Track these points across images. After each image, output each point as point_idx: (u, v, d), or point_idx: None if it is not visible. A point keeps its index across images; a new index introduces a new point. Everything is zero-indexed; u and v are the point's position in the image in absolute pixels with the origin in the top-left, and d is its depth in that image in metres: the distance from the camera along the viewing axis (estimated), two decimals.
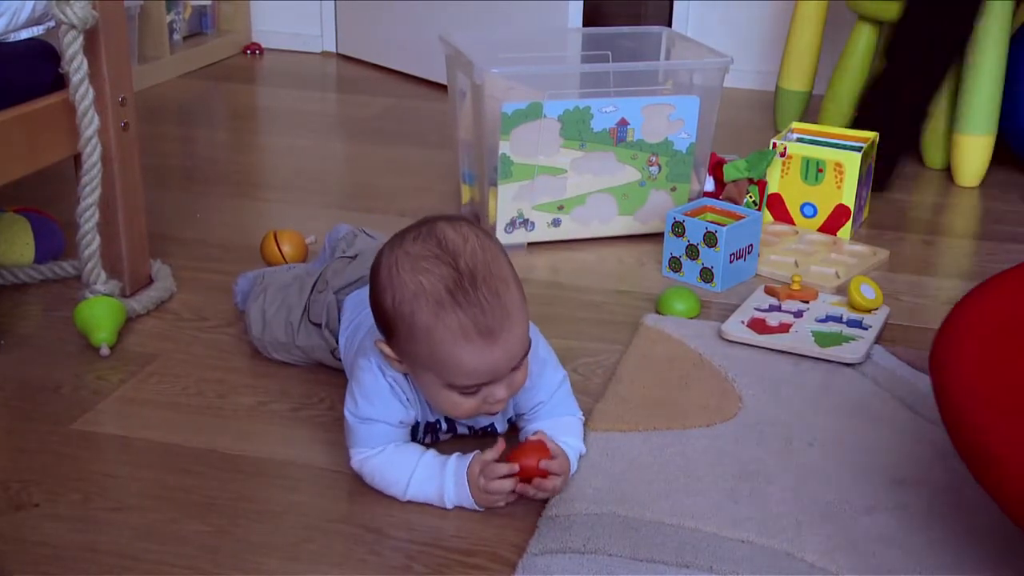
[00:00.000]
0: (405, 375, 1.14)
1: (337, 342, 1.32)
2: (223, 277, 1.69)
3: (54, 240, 1.71)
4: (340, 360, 1.32)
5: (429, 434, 1.21)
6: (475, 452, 1.12)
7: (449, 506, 1.12)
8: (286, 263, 1.69)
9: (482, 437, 1.23)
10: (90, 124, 1.45)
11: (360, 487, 1.17)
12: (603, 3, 2.95)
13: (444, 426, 1.20)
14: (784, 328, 1.52)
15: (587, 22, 2.60)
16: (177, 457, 1.23)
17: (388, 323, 1.08)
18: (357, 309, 1.29)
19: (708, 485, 1.17)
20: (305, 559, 1.06)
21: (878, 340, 1.52)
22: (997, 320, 1.07)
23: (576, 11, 2.57)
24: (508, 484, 1.09)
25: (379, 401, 1.13)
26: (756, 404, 1.34)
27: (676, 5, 2.96)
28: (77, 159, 1.48)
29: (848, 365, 1.44)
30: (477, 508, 1.11)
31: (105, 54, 1.47)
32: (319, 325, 1.35)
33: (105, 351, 1.43)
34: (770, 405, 1.34)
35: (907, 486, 1.18)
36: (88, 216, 1.49)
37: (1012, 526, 1.11)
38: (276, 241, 1.70)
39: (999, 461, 0.92)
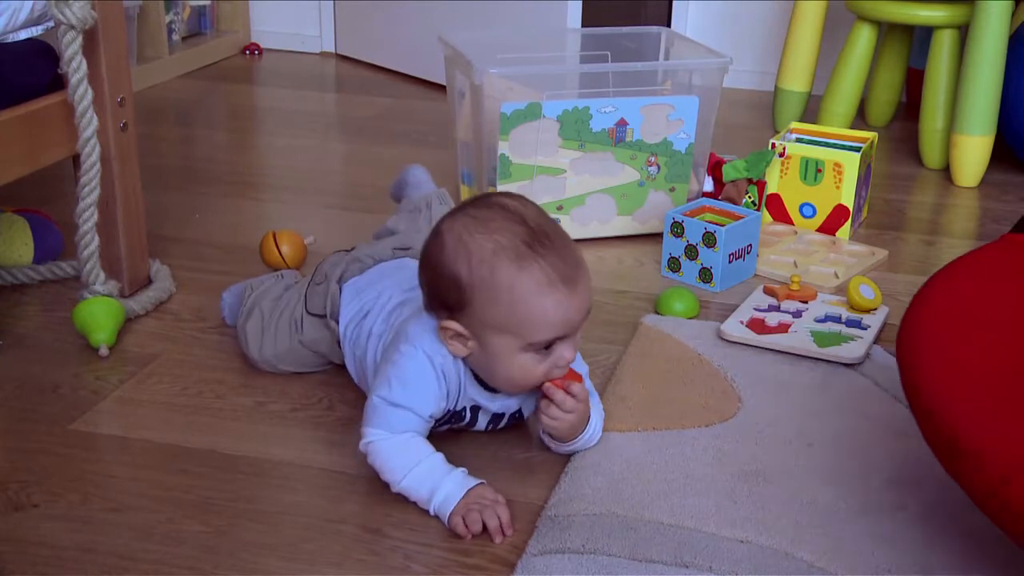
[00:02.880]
0: (455, 363, 1.13)
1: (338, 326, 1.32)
2: (222, 278, 1.68)
3: (53, 240, 1.71)
4: (341, 349, 1.32)
5: (448, 423, 1.20)
6: (482, 481, 1.12)
7: (431, 510, 1.11)
8: (285, 263, 1.69)
9: (492, 433, 1.24)
10: (89, 124, 1.45)
11: (359, 487, 1.17)
12: (602, 3, 2.95)
13: (468, 416, 1.19)
14: (783, 328, 1.52)
15: (586, 22, 2.60)
16: (176, 457, 1.23)
17: (461, 293, 1.07)
18: (359, 295, 1.29)
19: (707, 485, 1.17)
20: (303, 559, 1.06)
21: (877, 340, 1.52)
22: (961, 308, 1.07)
23: (575, 11, 2.57)
24: (486, 526, 1.09)
25: (418, 391, 1.12)
26: (755, 404, 1.34)
27: (675, 5, 2.96)
28: (76, 159, 1.48)
29: (847, 365, 1.44)
30: (445, 523, 1.10)
31: (104, 54, 1.47)
32: (321, 316, 1.33)
33: (104, 351, 1.43)
34: (769, 405, 1.34)
35: (905, 486, 1.18)
36: (87, 216, 1.49)
37: None
38: (275, 241, 1.70)
39: (973, 455, 0.92)
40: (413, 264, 1.24)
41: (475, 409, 1.19)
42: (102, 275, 1.52)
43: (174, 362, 1.43)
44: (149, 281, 1.63)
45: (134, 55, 2.77)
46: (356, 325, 1.28)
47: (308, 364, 1.39)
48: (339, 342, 1.32)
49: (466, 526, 1.08)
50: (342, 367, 1.36)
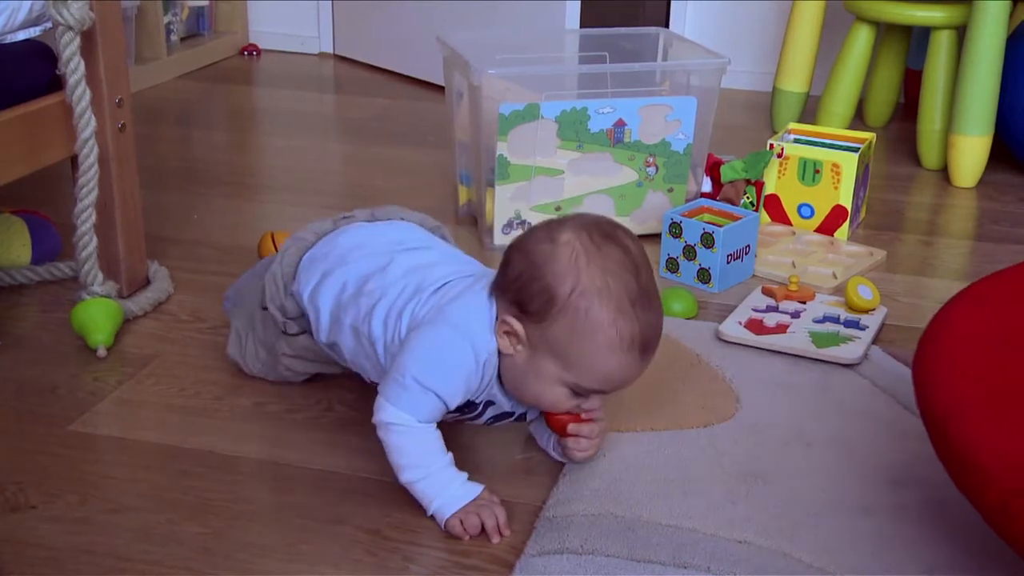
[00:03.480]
0: (495, 360, 1.11)
1: (302, 305, 1.26)
2: (221, 278, 1.68)
3: (51, 241, 1.71)
4: (306, 330, 1.27)
5: (457, 413, 1.17)
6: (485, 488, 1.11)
7: (429, 512, 1.10)
8: None
9: (490, 434, 1.24)
10: (87, 125, 1.45)
11: (357, 488, 1.17)
12: (600, 4, 2.95)
13: (479, 409, 1.17)
14: (781, 329, 1.52)
15: (584, 23, 2.60)
16: (174, 458, 1.22)
17: (548, 307, 1.05)
18: (318, 263, 1.25)
19: (705, 486, 1.17)
20: (302, 560, 1.06)
21: (875, 341, 1.52)
22: (981, 329, 1.07)
23: (573, 12, 2.57)
24: (483, 526, 1.09)
25: (453, 380, 1.10)
26: (753, 405, 1.34)
27: (673, 6, 2.96)
28: (74, 160, 1.48)
29: (845, 366, 1.44)
30: (441, 525, 1.10)
31: (102, 55, 1.47)
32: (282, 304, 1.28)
33: (102, 352, 1.43)
34: (767, 406, 1.34)
35: (904, 486, 1.18)
36: (85, 217, 1.48)
37: None
38: (273, 242, 1.69)
39: (982, 470, 0.92)
40: (375, 228, 1.26)
41: (488, 404, 1.17)
42: (100, 276, 1.52)
43: (172, 363, 1.43)
44: (147, 282, 1.63)
45: (132, 56, 2.76)
46: (347, 298, 1.21)
47: (306, 371, 1.35)
48: (300, 331, 1.27)
49: (464, 528, 1.08)
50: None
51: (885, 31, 2.56)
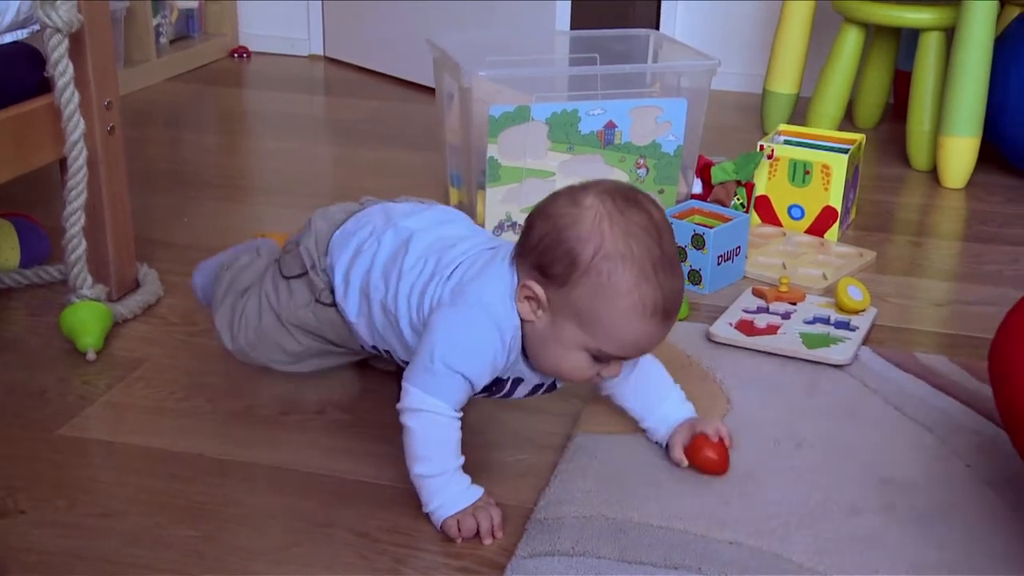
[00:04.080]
0: (519, 334, 1.09)
1: (332, 281, 1.23)
2: None
3: (40, 244, 1.70)
4: (335, 303, 1.23)
5: (487, 392, 1.16)
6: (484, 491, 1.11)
7: (427, 508, 1.10)
8: None
9: (483, 435, 1.24)
10: (76, 128, 1.45)
11: (348, 491, 1.17)
12: (591, 5, 2.96)
13: (508, 387, 1.16)
14: (772, 330, 1.52)
15: (575, 24, 2.60)
16: (164, 462, 1.22)
17: (571, 271, 1.04)
18: (350, 239, 1.22)
19: (697, 487, 1.17)
20: (293, 563, 1.06)
21: (865, 341, 1.52)
22: None
23: (563, 14, 2.57)
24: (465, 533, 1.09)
25: (480, 359, 1.09)
26: (744, 406, 1.34)
27: (663, 8, 2.97)
28: (63, 163, 1.47)
29: (836, 366, 1.44)
30: (437, 525, 1.09)
31: (90, 58, 1.47)
32: (301, 274, 1.25)
33: (91, 356, 1.43)
34: (758, 407, 1.34)
35: (894, 486, 1.18)
36: (74, 220, 1.48)
37: (998, 526, 1.11)
38: None
39: None
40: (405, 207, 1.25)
41: (516, 381, 1.16)
42: (89, 279, 1.51)
43: (162, 366, 1.43)
44: (137, 285, 1.63)
45: (121, 58, 2.76)
46: (366, 272, 1.19)
47: (297, 355, 1.29)
48: (320, 296, 1.24)
49: (459, 530, 1.08)
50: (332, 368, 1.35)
51: (874, 33, 2.57)
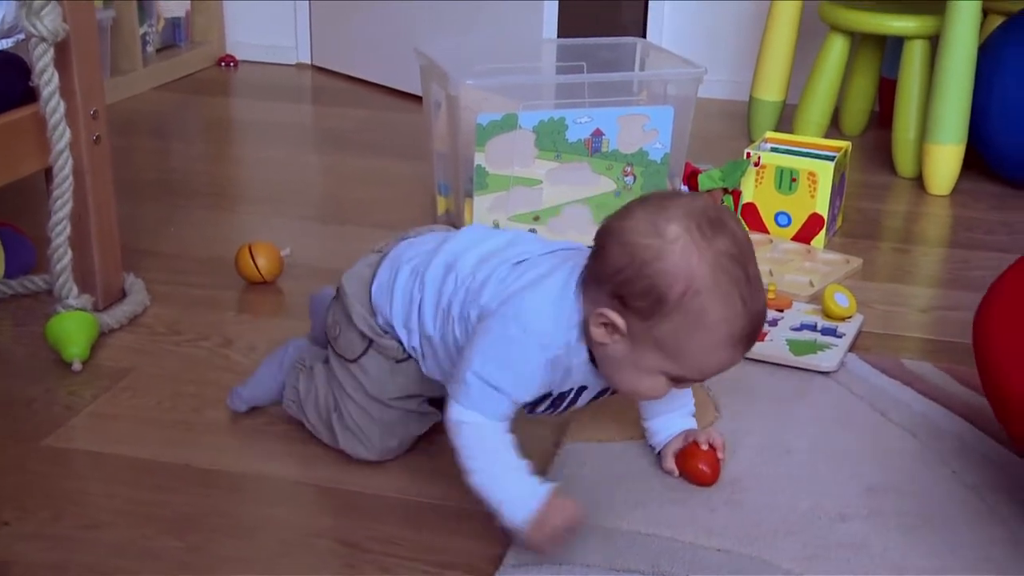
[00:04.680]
0: (569, 351, 1.06)
1: (397, 337, 1.18)
2: (198, 290, 1.68)
3: (25, 254, 1.70)
4: (411, 347, 1.18)
5: (550, 408, 1.14)
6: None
7: (500, 516, 1.04)
8: (261, 276, 1.69)
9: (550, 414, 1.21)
10: (61, 137, 1.44)
11: (335, 500, 1.17)
12: (578, 12, 2.97)
13: (571, 396, 1.13)
14: (759, 337, 1.52)
15: (562, 32, 2.61)
16: (151, 473, 1.22)
17: (658, 307, 0.99)
18: (408, 290, 1.16)
19: (684, 495, 1.17)
20: (280, 573, 1.06)
21: (852, 348, 1.52)
22: None
23: (551, 22, 2.58)
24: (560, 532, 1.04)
25: (522, 378, 1.05)
26: (731, 413, 1.34)
27: (650, 16, 2.98)
28: (48, 172, 1.47)
29: (823, 373, 1.44)
30: (512, 530, 1.05)
31: (76, 67, 1.46)
32: (368, 347, 1.19)
33: (77, 366, 1.42)
34: (745, 414, 1.34)
35: (881, 493, 1.19)
36: (60, 230, 1.47)
37: (983, 531, 1.11)
38: (251, 254, 1.69)
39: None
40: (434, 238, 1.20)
41: (581, 390, 1.13)
42: (75, 289, 1.51)
43: (149, 376, 1.42)
44: (123, 294, 1.62)
45: (107, 67, 2.75)
46: (418, 314, 1.15)
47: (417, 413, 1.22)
48: (408, 356, 1.18)
49: (539, 540, 1.03)
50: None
51: (860, 41, 2.58)
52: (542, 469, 1.22)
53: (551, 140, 1.79)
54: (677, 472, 1.20)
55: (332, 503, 1.17)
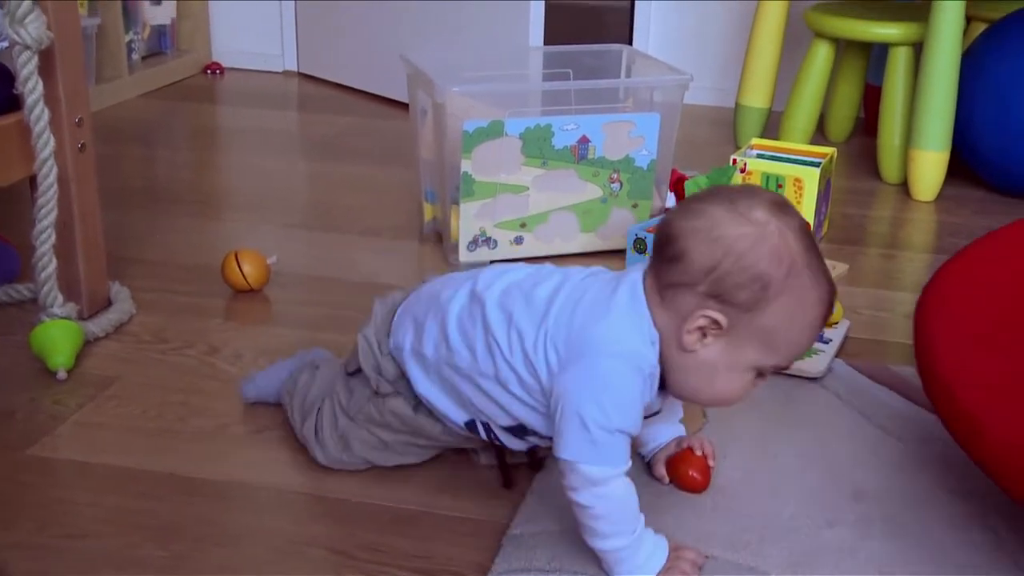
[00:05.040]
0: (657, 367, 1.02)
1: (403, 364, 1.14)
2: (184, 298, 1.67)
3: (10, 262, 1.69)
4: (399, 392, 1.15)
5: None
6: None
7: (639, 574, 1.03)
8: (247, 283, 1.68)
9: (457, 452, 1.23)
10: (46, 145, 1.43)
11: (324, 508, 1.16)
12: (564, 21, 2.97)
13: None
14: None
15: (548, 40, 2.61)
16: (137, 481, 1.21)
17: (764, 293, 0.97)
18: (426, 316, 1.12)
19: (672, 501, 1.17)
20: None
21: (839, 354, 1.53)
22: (970, 282, 1.16)
23: (537, 29, 2.58)
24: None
25: (632, 407, 1.01)
26: (719, 419, 1.34)
27: (636, 23, 2.98)
28: (33, 180, 1.46)
29: (810, 379, 1.45)
30: None
31: (61, 75, 1.46)
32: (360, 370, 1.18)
33: (62, 375, 1.41)
34: (733, 419, 1.34)
35: (868, 499, 1.19)
36: (44, 238, 1.47)
37: (972, 538, 1.12)
38: (237, 261, 1.69)
39: (975, 420, 1.00)
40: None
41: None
42: (60, 297, 1.50)
43: (134, 384, 1.42)
44: (109, 303, 1.61)
45: (92, 75, 2.74)
46: (437, 343, 1.10)
47: (386, 444, 1.20)
48: (394, 391, 1.15)
49: None
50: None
51: (845, 48, 2.59)
52: (530, 476, 1.21)
53: (537, 147, 1.79)
54: (668, 479, 1.20)
55: (319, 511, 1.16)
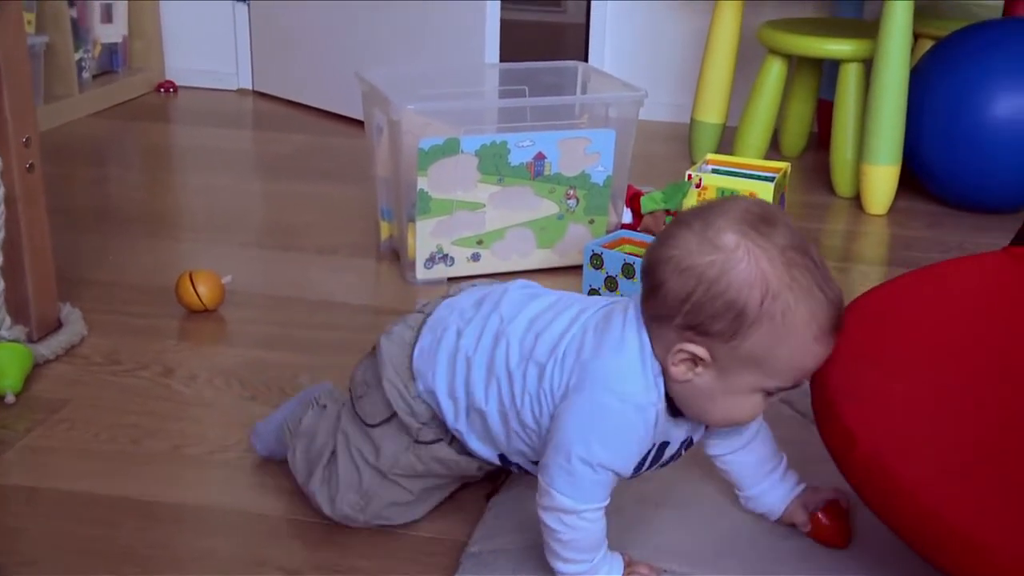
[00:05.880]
0: (662, 403, 1.00)
1: (439, 407, 1.09)
2: (137, 319, 1.65)
3: None
4: (438, 438, 1.10)
5: (635, 472, 1.04)
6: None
7: None
8: (202, 304, 1.66)
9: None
10: None
11: (278, 529, 1.15)
12: (520, 39, 2.99)
13: (651, 457, 1.04)
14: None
15: (504, 57, 2.62)
16: (89, 507, 1.19)
17: (740, 323, 0.93)
18: (454, 356, 1.07)
19: (630, 516, 1.17)
20: None
21: None
22: (892, 306, 1.17)
23: (493, 46, 2.59)
24: None
25: (624, 446, 0.98)
26: None
27: (592, 40, 3.00)
28: None
29: None
30: None
31: (7, 93, 1.43)
32: (390, 417, 1.11)
33: (10, 399, 1.39)
34: None
35: None
36: None
37: None
38: (191, 281, 1.67)
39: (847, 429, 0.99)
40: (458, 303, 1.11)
41: (662, 447, 1.04)
42: (8, 320, 1.47)
43: (86, 407, 1.39)
44: (59, 325, 1.59)
45: (41, 93, 2.71)
46: (465, 383, 1.06)
47: (411, 503, 1.14)
48: (435, 439, 1.10)
49: None
50: (250, 401, 1.33)
51: (797, 64, 2.63)
52: (487, 493, 1.21)
53: (493, 164, 1.79)
54: (809, 527, 1.14)
55: (274, 532, 1.15)
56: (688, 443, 1.08)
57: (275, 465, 1.27)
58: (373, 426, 1.11)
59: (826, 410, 1.04)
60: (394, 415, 1.10)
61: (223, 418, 1.37)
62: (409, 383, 1.09)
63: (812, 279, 0.95)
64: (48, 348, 1.50)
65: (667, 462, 1.07)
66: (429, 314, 1.12)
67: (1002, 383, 1.08)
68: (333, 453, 1.14)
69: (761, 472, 1.15)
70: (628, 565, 1.05)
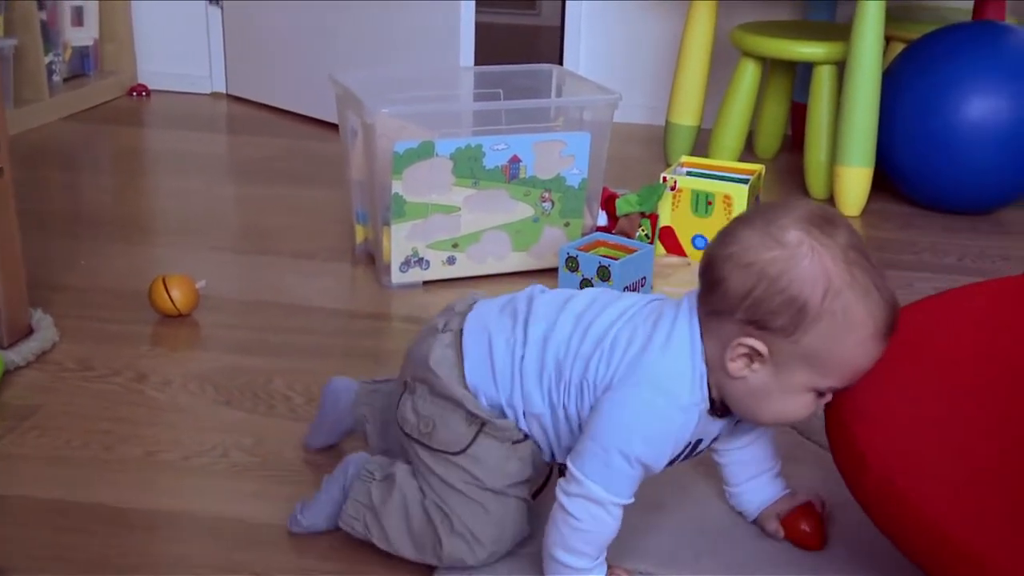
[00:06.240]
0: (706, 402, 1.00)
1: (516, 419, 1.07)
2: (110, 325, 1.64)
3: None
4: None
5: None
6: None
7: None
8: (176, 308, 1.65)
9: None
10: None
11: (253, 535, 1.14)
12: (495, 42, 2.99)
13: (686, 451, 1.05)
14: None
15: (479, 60, 2.62)
16: (61, 514, 1.17)
17: (801, 318, 0.94)
18: (507, 368, 1.06)
19: None
20: None
21: None
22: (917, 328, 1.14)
23: (467, 49, 2.58)
24: None
25: (662, 443, 0.99)
26: None
27: (567, 43, 3.01)
28: None
29: None
30: None
31: None
32: (479, 433, 1.06)
33: None
34: None
35: None
36: None
37: None
38: (165, 286, 1.65)
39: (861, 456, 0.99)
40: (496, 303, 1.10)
41: (696, 443, 1.05)
42: None
43: (58, 414, 1.38)
44: (30, 331, 1.57)
45: (10, 97, 2.68)
46: (522, 392, 1.05)
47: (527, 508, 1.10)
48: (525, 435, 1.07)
49: None
50: (228, 407, 1.32)
51: (771, 66, 2.64)
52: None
53: (468, 167, 1.79)
54: (782, 534, 1.14)
55: (249, 538, 1.14)
56: (715, 439, 1.08)
57: (250, 470, 1.26)
58: (461, 452, 1.06)
59: (839, 432, 1.03)
60: (478, 432, 1.05)
61: (197, 423, 1.36)
62: (469, 399, 1.06)
63: (871, 279, 0.96)
64: (19, 354, 1.49)
65: (691, 457, 1.08)
66: (458, 330, 1.09)
67: (1016, 406, 1.08)
68: (440, 506, 1.06)
69: (750, 472, 1.16)
70: (608, 570, 1.05)
